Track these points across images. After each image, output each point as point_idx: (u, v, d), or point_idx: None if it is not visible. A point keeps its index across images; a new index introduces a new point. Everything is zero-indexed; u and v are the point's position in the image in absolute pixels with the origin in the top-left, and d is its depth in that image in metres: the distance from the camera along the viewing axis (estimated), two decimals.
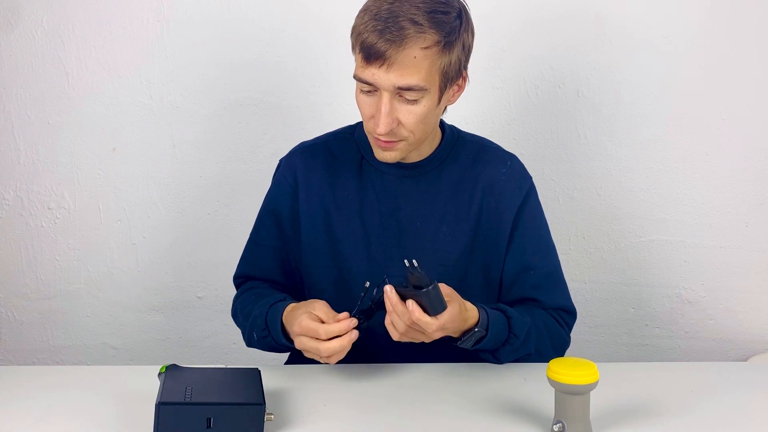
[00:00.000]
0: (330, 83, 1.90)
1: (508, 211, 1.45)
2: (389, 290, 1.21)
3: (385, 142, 1.33)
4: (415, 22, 1.26)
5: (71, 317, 1.99)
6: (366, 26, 1.27)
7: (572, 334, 1.50)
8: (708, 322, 2.01)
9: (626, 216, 1.97)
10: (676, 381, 1.37)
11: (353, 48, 1.33)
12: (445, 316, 1.20)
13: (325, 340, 1.24)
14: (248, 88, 1.92)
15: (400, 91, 1.29)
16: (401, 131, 1.32)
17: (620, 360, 2.02)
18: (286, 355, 1.64)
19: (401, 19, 1.25)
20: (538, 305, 1.45)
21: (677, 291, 2.00)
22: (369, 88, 1.30)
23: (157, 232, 1.97)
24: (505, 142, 1.55)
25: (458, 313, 1.24)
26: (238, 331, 1.49)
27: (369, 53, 1.27)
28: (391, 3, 1.27)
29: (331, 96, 1.91)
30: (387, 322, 1.23)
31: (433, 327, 1.20)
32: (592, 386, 1.10)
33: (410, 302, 1.19)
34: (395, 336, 1.24)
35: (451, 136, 1.47)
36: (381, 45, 1.25)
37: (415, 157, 1.43)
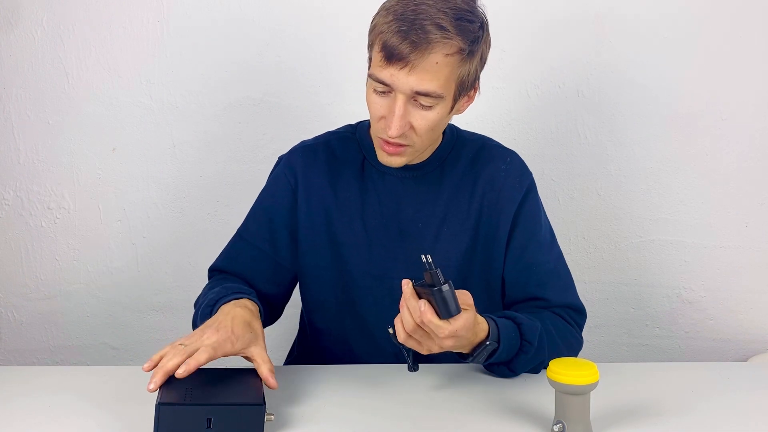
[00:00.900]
0: (330, 83, 1.90)
1: (508, 207, 1.43)
2: (406, 283, 1.15)
3: (393, 147, 1.32)
4: (441, 27, 1.23)
5: (71, 317, 1.99)
6: (390, 26, 1.24)
7: None
8: (708, 322, 2.01)
9: (626, 216, 1.97)
10: (676, 381, 1.37)
11: (370, 46, 1.30)
12: (459, 322, 1.13)
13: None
14: (248, 88, 1.92)
15: (416, 96, 1.26)
16: (411, 136, 1.31)
17: (620, 360, 2.02)
18: (285, 356, 1.64)
19: (427, 22, 1.23)
20: (545, 303, 1.42)
21: (677, 291, 2.00)
22: (384, 89, 1.28)
23: (157, 232, 1.97)
24: (505, 142, 1.54)
25: (473, 323, 1.17)
26: None
27: (391, 54, 1.24)
28: (417, 5, 1.24)
29: (331, 96, 1.91)
30: (397, 318, 1.18)
31: (445, 332, 1.13)
32: (592, 386, 1.10)
33: (423, 302, 1.13)
34: (401, 335, 1.17)
35: (451, 136, 1.46)
36: (404, 47, 1.23)
37: (416, 159, 1.42)
